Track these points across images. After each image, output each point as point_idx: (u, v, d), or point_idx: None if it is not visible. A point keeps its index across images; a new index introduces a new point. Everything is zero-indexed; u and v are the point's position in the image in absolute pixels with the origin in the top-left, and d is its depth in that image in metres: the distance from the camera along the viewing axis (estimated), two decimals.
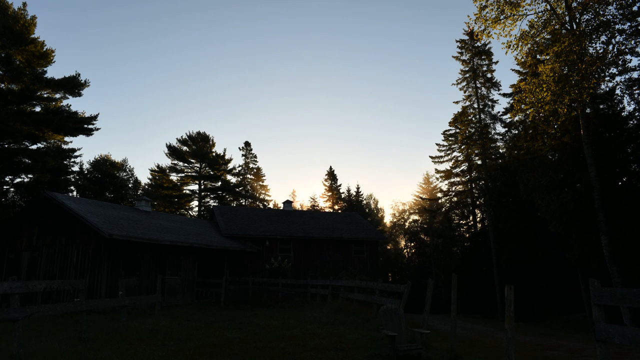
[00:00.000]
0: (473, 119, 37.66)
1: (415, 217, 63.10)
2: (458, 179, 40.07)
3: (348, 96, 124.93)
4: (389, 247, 56.36)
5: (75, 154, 33.94)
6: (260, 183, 56.95)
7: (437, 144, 41.56)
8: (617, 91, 21.51)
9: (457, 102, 38.53)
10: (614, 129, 21.56)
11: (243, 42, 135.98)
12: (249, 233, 26.15)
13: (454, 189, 40.12)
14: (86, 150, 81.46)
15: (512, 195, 30.13)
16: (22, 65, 30.08)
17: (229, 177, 52.08)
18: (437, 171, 43.12)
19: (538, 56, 19.49)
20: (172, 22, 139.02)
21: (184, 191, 49.67)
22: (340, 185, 61.79)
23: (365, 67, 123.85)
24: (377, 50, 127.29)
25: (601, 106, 23.23)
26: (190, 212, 50.38)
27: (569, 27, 18.12)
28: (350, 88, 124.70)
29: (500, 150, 36.43)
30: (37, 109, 31.74)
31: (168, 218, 25.66)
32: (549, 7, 18.36)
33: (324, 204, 60.10)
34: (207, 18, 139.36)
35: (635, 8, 16.89)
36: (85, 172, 38.31)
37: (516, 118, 21.73)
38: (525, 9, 18.27)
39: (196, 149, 49.08)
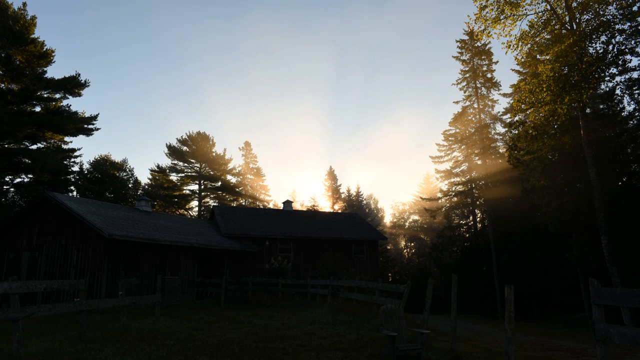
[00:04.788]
0: (473, 119, 37.67)
1: (415, 217, 63.18)
2: (458, 178, 40.04)
3: (348, 96, 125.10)
4: (389, 247, 56.34)
5: (75, 154, 33.98)
6: (260, 183, 56.99)
7: (437, 144, 41.59)
8: (617, 91, 21.53)
9: (457, 102, 38.57)
10: (614, 129, 21.56)
11: (243, 41, 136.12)
12: (249, 233, 26.14)
13: (454, 189, 40.11)
14: (86, 150, 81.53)
15: (512, 195, 30.15)
16: (22, 65, 30.07)
17: (229, 177, 52.12)
18: (437, 171, 43.14)
19: (538, 56, 19.49)
20: (172, 21, 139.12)
21: (184, 191, 49.68)
22: (340, 185, 61.90)
23: (365, 66, 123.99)
24: (376, 48, 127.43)
25: (601, 106, 23.24)
26: (190, 212, 50.40)
27: (569, 27, 18.13)
28: (350, 86, 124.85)
29: (500, 150, 36.45)
30: (37, 109, 31.75)
31: (168, 218, 25.66)
32: (549, 7, 18.37)
33: (324, 204, 60.17)
34: (207, 17, 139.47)
35: (635, 8, 16.91)
36: (85, 172, 38.31)
37: (516, 118, 21.71)
38: (525, 9, 18.28)
39: (196, 149, 49.08)
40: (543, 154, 21.20)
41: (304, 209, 51.88)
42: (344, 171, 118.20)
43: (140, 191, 43.88)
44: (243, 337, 10.29)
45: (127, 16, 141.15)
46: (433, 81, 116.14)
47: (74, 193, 35.94)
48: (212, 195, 50.71)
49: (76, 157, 34.20)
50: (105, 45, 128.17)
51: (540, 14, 18.47)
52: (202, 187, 49.86)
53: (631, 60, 17.89)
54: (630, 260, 18.33)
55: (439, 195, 43.57)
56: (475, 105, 37.21)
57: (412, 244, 60.99)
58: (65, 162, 33.04)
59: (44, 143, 32.38)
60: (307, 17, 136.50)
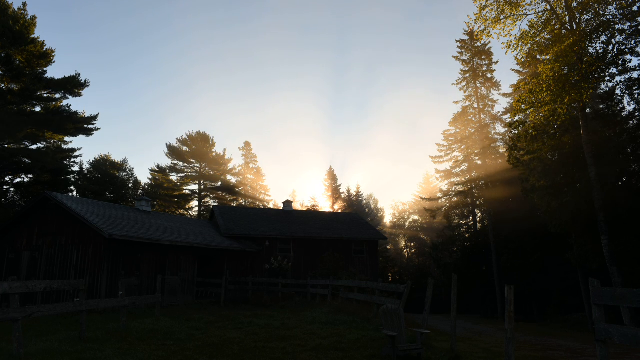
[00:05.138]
0: (473, 119, 37.65)
1: (415, 217, 63.14)
2: (458, 179, 40.02)
3: (348, 95, 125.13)
4: (389, 247, 56.33)
5: (75, 154, 33.93)
6: (260, 183, 57.01)
7: (437, 144, 41.54)
8: (617, 91, 21.50)
9: (457, 102, 38.55)
10: (614, 129, 21.54)
11: (243, 42, 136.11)
12: (249, 233, 26.14)
13: (454, 189, 40.09)
14: (86, 150, 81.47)
15: (512, 195, 30.14)
16: (22, 65, 30.04)
17: (228, 177, 52.15)
18: (437, 171, 43.12)
19: (538, 56, 19.49)
20: (173, 21, 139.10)
21: (184, 191, 49.68)
22: (340, 185, 61.88)
23: (365, 66, 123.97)
24: (376, 48, 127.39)
25: (601, 106, 23.22)
26: (190, 212, 50.40)
27: (569, 27, 18.12)
28: (350, 86, 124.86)
29: (500, 150, 36.42)
30: (37, 109, 31.72)
31: (168, 218, 25.66)
32: (549, 7, 18.37)
33: (324, 204, 60.18)
34: (207, 17, 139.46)
35: (635, 8, 16.91)
36: (85, 172, 38.33)
37: (516, 118, 21.71)
38: (525, 9, 18.28)
39: (196, 149, 49.10)
40: (543, 154, 21.19)
41: (304, 209, 51.88)
42: (344, 171, 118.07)
43: (140, 191, 43.89)
44: (243, 337, 10.29)
45: (127, 15, 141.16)
46: (433, 81, 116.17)
47: (74, 193, 35.96)
48: (212, 195, 50.71)
49: (76, 157, 34.18)
50: (105, 44, 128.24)
51: (540, 14, 18.47)
52: (202, 187, 49.88)
53: (631, 60, 17.89)
54: (630, 260, 18.33)
55: (439, 195, 43.57)
56: (475, 105, 37.20)
57: (412, 244, 60.96)
58: (65, 162, 33.02)
59: (44, 143, 32.35)
60: (306, 14, 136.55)
